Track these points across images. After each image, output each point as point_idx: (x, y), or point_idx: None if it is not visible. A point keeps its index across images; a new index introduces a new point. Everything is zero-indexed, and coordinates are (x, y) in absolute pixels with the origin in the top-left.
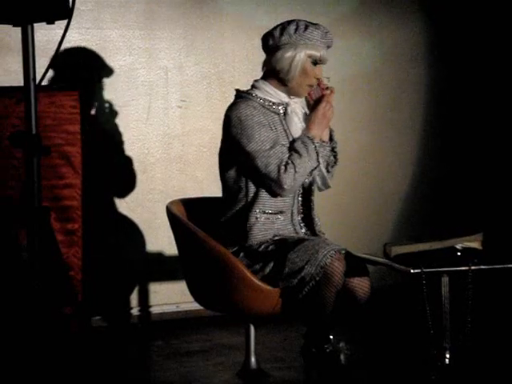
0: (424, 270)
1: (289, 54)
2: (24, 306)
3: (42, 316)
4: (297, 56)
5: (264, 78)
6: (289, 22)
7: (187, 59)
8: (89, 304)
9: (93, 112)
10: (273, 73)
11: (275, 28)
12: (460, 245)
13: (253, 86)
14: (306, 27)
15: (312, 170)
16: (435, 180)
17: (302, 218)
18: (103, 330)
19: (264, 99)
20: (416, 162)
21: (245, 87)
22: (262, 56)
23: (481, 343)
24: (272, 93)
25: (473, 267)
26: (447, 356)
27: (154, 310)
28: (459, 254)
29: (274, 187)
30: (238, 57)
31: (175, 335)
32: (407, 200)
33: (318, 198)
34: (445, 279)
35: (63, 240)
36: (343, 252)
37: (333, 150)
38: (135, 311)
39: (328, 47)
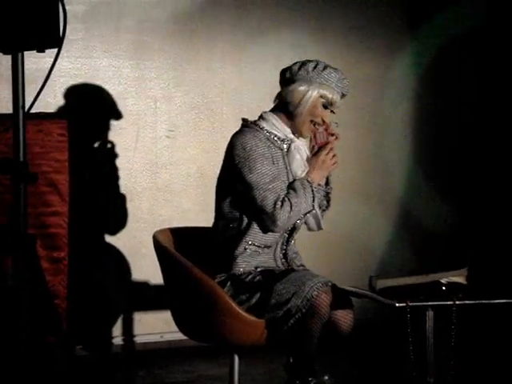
0: (409, 303)
1: (302, 88)
2: (8, 334)
3: (26, 344)
4: (309, 92)
5: (273, 110)
6: (309, 60)
7: (176, 89)
8: (72, 333)
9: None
10: (283, 106)
11: (295, 63)
12: (445, 279)
13: (260, 117)
14: (325, 67)
15: (306, 213)
16: (421, 215)
17: (284, 254)
18: (86, 359)
19: (270, 132)
20: (402, 197)
21: (233, 118)
22: (250, 87)
23: (464, 378)
24: (278, 126)
25: (457, 302)
26: None
27: (138, 339)
28: (444, 288)
29: (267, 221)
30: (226, 88)
31: (159, 365)
32: (393, 234)
33: (304, 230)
34: (429, 313)
35: (49, 268)
36: (330, 284)
37: (327, 194)
38: (119, 340)
39: (343, 95)
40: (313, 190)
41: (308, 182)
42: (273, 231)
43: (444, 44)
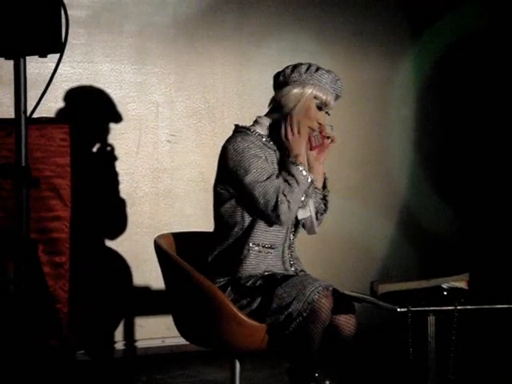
0: (410, 308)
1: (295, 91)
2: (10, 339)
3: (28, 349)
4: (303, 94)
5: (268, 114)
6: (301, 63)
7: (178, 94)
8: (74, 338)
9: (83, 145)
10: (277, 110)
11: (287, 67)
12: (446, 284)
13: (255, 122)
14: (318, 69)
15: (308, 188)
16: (423, 220)
17: (291, 256)
18: (88, 364)
19: (262, 135)
20: (405, 201)
21: (234, 123)
22: (252, 92)
23: (465, 383)
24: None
25: (459, 307)
26: None
27: (140, 344)
28: (445, 293)
29: (271, 217)
30: (228, 93)
31: (160, 370)
32: (395, 238)
33: (305, 235)
34: (431, 318)
35: (50, 273)
36: (331, 289)
37: (324, 198)
38: (120, 345)
39: (337, 97)
40: (299, 167)
41: (292, 163)
42: (280, 225)
43: (446, 49)
